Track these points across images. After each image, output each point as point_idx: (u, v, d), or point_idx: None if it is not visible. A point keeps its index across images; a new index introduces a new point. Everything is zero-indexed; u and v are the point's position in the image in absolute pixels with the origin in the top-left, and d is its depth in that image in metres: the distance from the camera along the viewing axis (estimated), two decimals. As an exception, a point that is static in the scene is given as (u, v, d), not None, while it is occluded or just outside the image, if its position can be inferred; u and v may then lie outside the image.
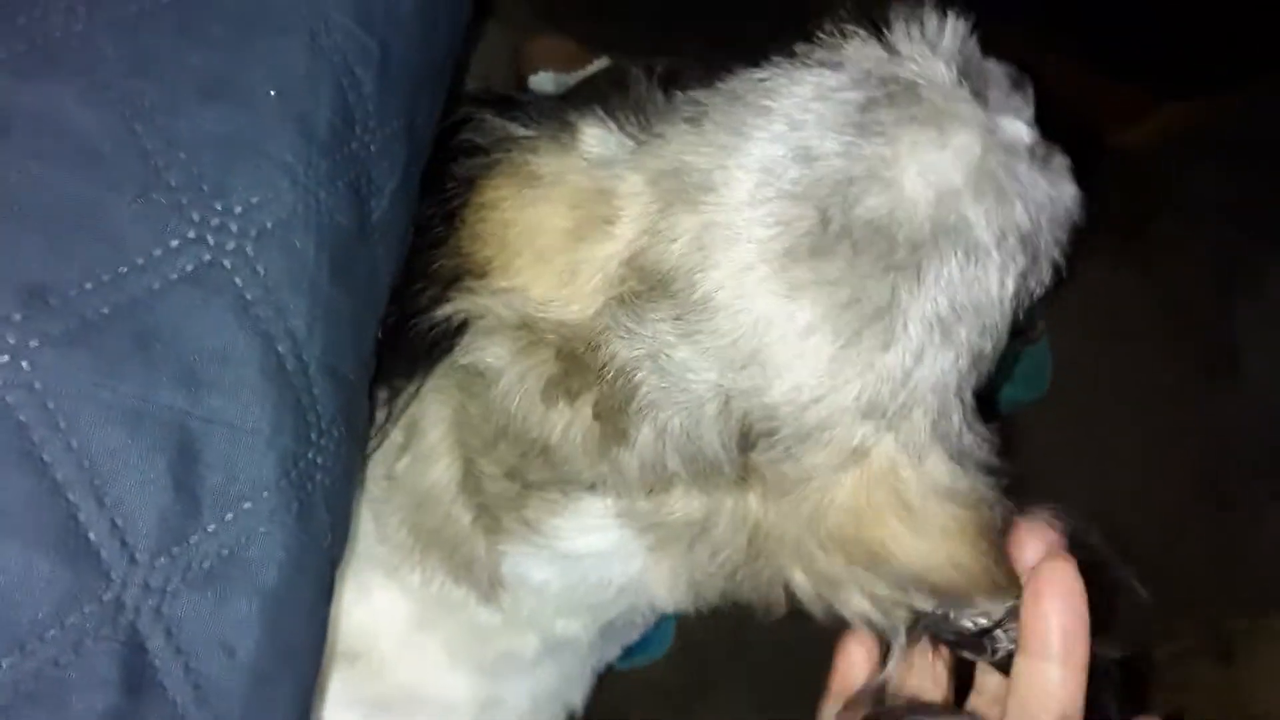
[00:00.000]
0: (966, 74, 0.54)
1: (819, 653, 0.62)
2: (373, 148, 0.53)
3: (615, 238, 0.53)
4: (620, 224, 0.53)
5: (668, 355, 0.51)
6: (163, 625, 0.42)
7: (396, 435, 0.67)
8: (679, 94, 0.56)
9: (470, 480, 0.64)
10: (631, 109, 0.57)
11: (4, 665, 0.39)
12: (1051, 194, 0.54)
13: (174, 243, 0.44)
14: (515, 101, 0.61)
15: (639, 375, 0.52)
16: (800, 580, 0.56)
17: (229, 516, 0.44)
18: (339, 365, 0.50)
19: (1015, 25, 0.68)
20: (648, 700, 1.31)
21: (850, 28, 0.55)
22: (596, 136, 0.56)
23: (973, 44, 0.56)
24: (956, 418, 0.53)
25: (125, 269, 0.43)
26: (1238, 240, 1.65)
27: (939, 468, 0.53)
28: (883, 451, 0.52)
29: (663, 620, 1.41)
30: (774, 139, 0.51)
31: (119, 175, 0.44)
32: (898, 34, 0.54)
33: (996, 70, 0.58)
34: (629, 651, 1.39)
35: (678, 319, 0.51)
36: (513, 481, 0.61)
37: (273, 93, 0.48)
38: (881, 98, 0.52)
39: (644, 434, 0.53)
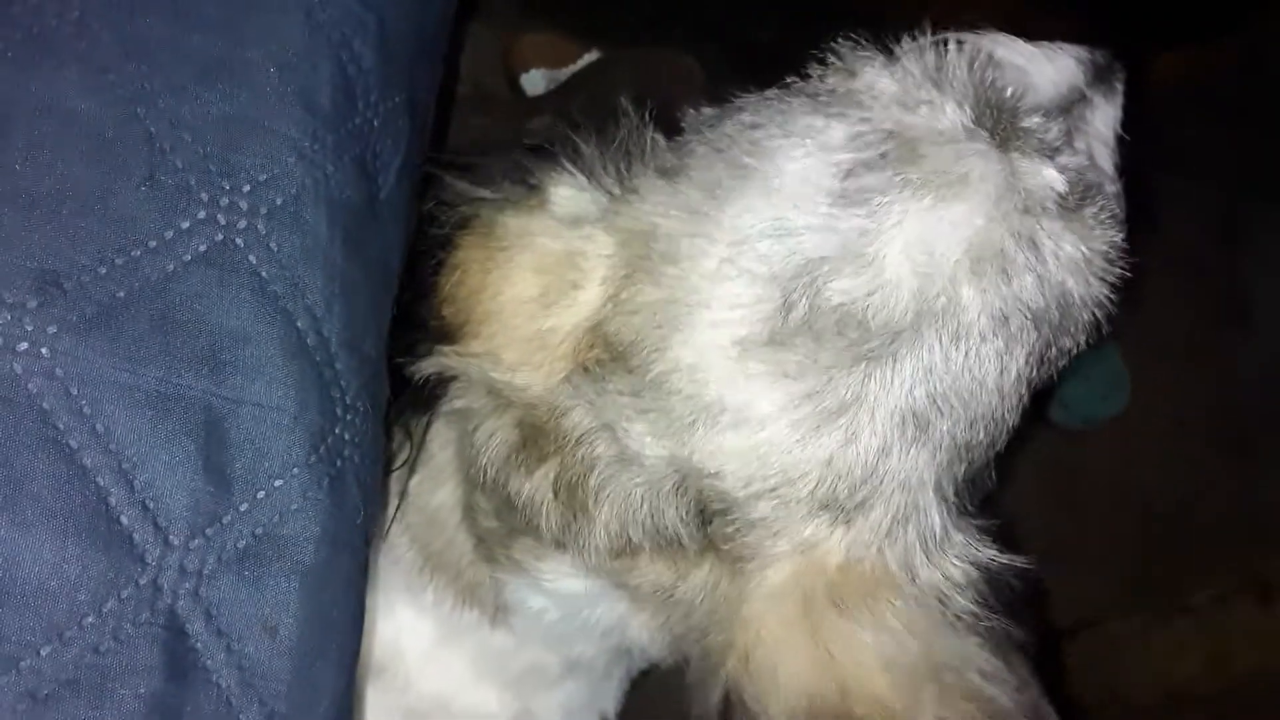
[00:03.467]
0: (990, 109, 0.48)
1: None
2: (376, 123, 0.53)
3: (581, 304, 0.51)
4: (587, 288, 0.51)
5: (625, 428, 0.49)
6: (202, 608, 0.42)
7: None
8: (666, 134, 0.53)
9: (470, 509, 0.63)
10: (613, 154, 0.54)
11: (44, 654, 0.38)
12: (1084, 251, 0.48)
13: (185, 224, 0.44)
14: (479, 165, 0.59)
15: (599, 447, 0.50)
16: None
17: (261, 495, 0.44)
18: (359, 341, 0.49)
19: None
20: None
21: (863, 49, 0.51)
22: (566, 194, 0.54)
23: (1005, 66, 0.51)
24: (934, 515, 0.49)
25: (138, 252, 0.43)
26: (1237, 190, 1.64)
27: (891, 567, 0.49)
28: (829, 547, 0.49)
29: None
30: (748, 208, 0.47)
31: (125, 160, 0.43)
32: (908, 63, 0.50)
33: (1046, 84, 0.53)
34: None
35: (636, 394, 0.49)
36: (501, 522, 0.60)
37: (273, 70, 0.47)
38: (875, 158, 0.47)
39: (604, 508, 0.51)
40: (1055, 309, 0.48)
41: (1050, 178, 0.48)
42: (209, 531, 0.42)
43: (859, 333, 0.46)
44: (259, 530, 0.43)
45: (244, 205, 0.45)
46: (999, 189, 0.47)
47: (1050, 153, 0.50)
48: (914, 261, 0.45)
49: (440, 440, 0.64)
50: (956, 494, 0.50)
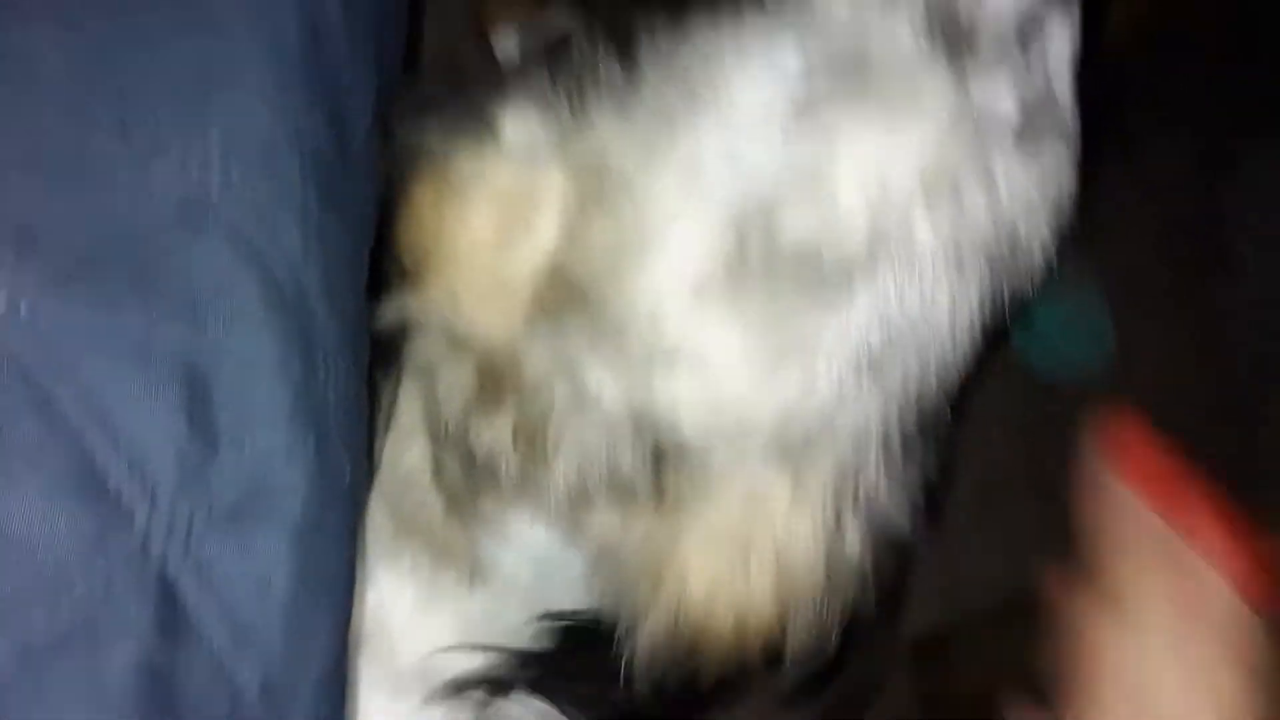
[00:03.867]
0: (946, 31, 0.47)
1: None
2: (344, 79, 0.52)
3: (539, 243, 0.51)
4: (543, 226, 0.50)
5: (583, 371, 0.49)
6: (191, 565, 0.41)
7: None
8: (628, 59, 0.51)
9: (438, 466, 0.62)
10: (566, 82, 0.52)
11: (34, 613, 0.37)
12: (1037, 185, 0.48)
13: (157, 175, 0.43)
14: (433, 97, 0.58)
15: (557, 391, 0.50)
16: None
17: (246, 450, 0.43)
18: (337, 293, 0.49)
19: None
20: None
21: None
22: (517, 125, 0.52)
23: None
24: (876, 471, 0.50)
25: (112, 206, 0.42)
26: (1214, 129, 1.64)
27: (830, 520, 0.50)
28: (776, 496, 0.50)
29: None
30: (701, 140, 0.47)
31: (96, 113, 0.43)
32: None
33: (1000, 9, 0.51)
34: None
35: (594, 336, 0.48)
36: (466, 476, 0.59)
37: (241, 21, 0.47)
38: (827, 85, 0.46)
39: (562, 455, 0.51)
40: (1006, 244, 0.48)
41: (1005, 105, 0.48)
42: (196, 488, 0.41)
43: (815, 272, 0.45)
44: (246, 486, 0.43)
45: (215, 155, 0.44)
46: (953, 114, 0.46)
47: (1007, 79, 0.49)
48: (867, 191, 0.45)
49: (408, 398, 0.64)
50: (903, 445, 0.50)
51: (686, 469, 0.50)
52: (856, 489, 0.49)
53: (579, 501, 0.53)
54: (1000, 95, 0.48)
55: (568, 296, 0.49)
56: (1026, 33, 0.52)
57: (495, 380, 0.52)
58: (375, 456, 0.64)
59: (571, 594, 0.63)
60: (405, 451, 0.63)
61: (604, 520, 0.54)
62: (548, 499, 0.53)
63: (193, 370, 0.42)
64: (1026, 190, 0.48)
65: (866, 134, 0.45)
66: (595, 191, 0.48)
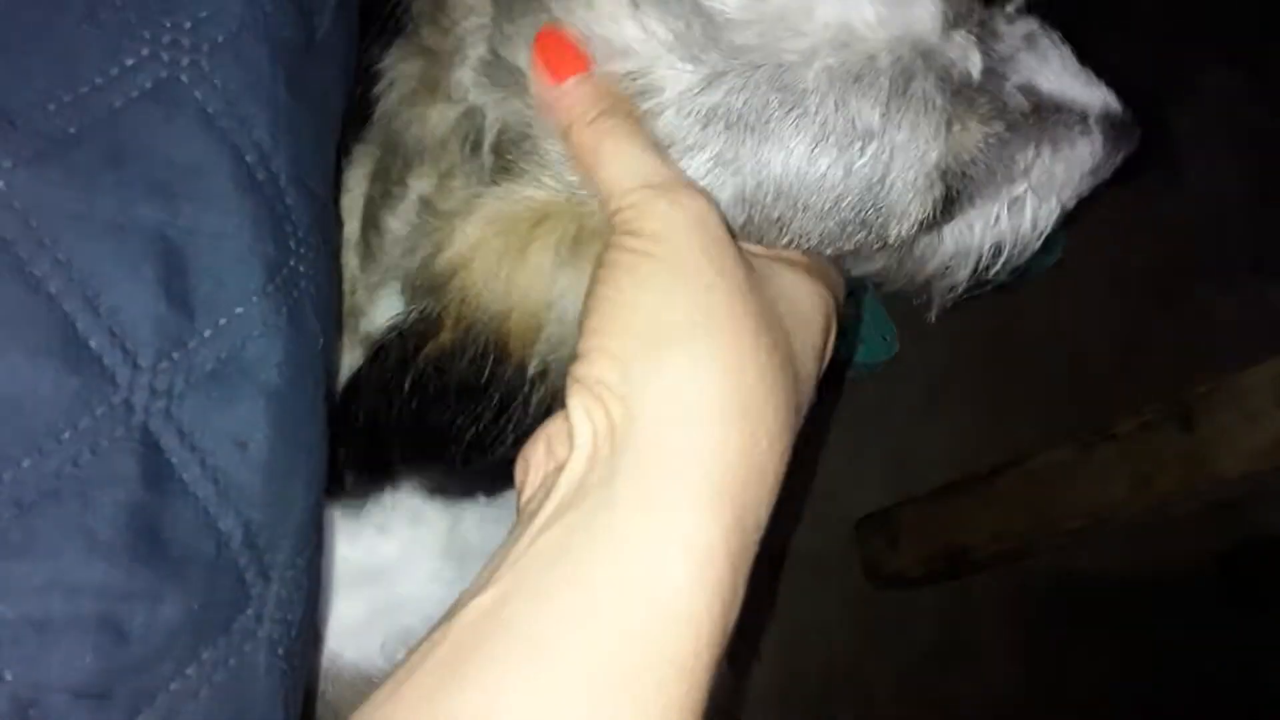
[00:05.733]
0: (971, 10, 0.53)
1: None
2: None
3: None
4: None
5: (508, 42, 0.53)
6: (174, 425, 0.44)
7: None
8: None
9: (365, 231, 0.65)
10: None
11: (25, 465, 0.40)
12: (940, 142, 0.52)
13: (129, 61, 0.45)
14: None
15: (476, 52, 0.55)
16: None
17: (223, 321, 0.46)
18: (306, 177, 0.51)
19: None
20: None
21: None
22: None
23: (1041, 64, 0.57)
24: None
25: (85, 89, 0.44)
26: (1166, 47, 1.66)
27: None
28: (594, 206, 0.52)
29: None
30: None
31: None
32: None
33: (1068, 87, 0.58)
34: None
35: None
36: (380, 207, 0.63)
37: (208, -90, 0.48)
38: None
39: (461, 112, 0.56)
40: (879, 182, 0.51)
41: (974, 61, 0.53)
42: (175, 355, 0.44)
43: (762, 54, 0.49)
44: (224, 354, 0.45)
45: (186, 42, 0.46)
46: (931, 23, 0.51)
47: (993, 58, 0.54)
48: (832, 30, 0.49)
49: (353, 178, 0.67)
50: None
51: (529, 152, 0.53)
52: None
53: (447, 172, 0.57)
54: (975, 54, 0.53)
55: None
56: (1064, 115, 0.60)
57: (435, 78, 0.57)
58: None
59: None
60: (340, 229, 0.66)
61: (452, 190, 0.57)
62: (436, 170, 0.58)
63: (168, 246, 0.44)
64: (927, 140, 0.52)
65: None
66: None
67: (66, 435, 0.41)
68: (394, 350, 0.53)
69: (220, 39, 0.47)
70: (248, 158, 0.47)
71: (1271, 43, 1.71)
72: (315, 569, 0.50)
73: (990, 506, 1.19)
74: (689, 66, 0.49)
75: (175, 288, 0.44)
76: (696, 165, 0.51)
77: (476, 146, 0.55)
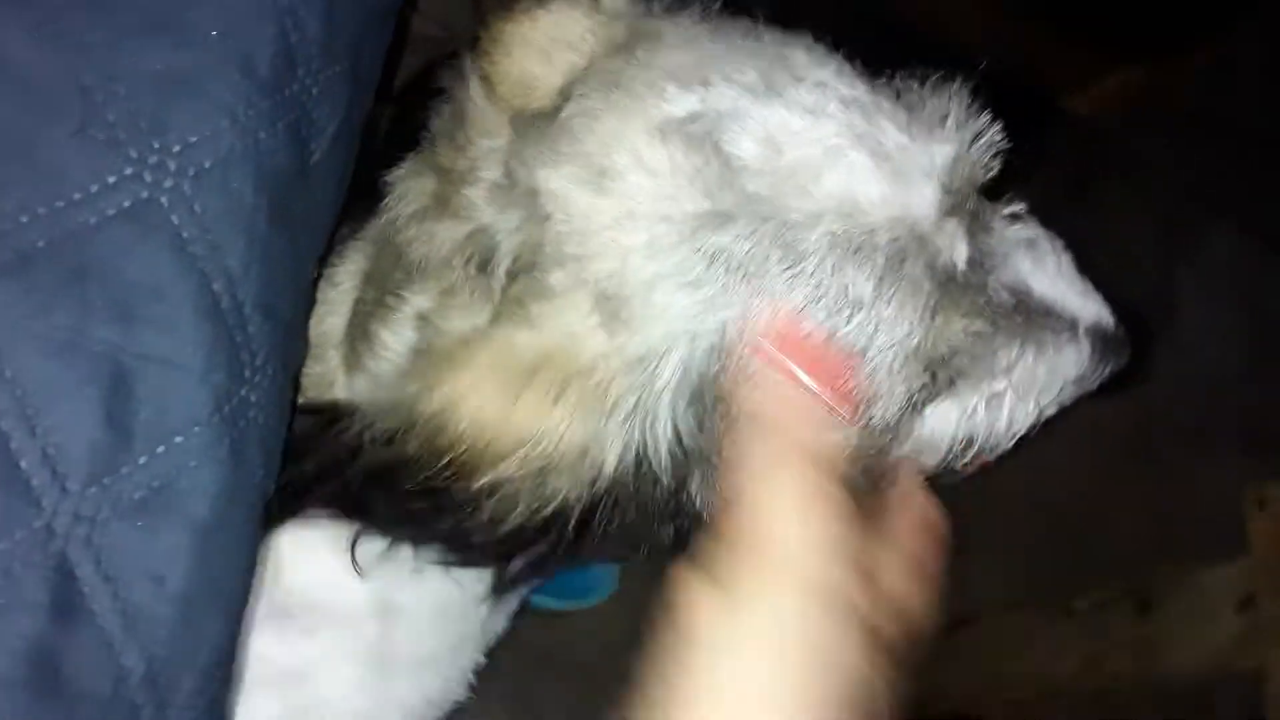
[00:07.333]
0: (967, 187, 0.54)
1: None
2: (314, 90, 0.54)
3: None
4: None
5: (525, 165, 0.53)
6: (92, 553, 0.43)
7: None
8: None
9: (352, 325, 0.65)
10: None
11: (-70, 587, 0.40)
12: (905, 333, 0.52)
13: (111, 179, 0.45)
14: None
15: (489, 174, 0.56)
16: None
17: (160, 449, 0.45)
18: (275, 303, 0.51)
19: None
20: (584, 648, 1.33)
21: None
22: None
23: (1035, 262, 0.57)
24: (667, 399, 0.52)
25: (62, 203, 0.44)
26: (1180, 205, 1.67)
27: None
28: (587, 345, 0.52)
29: (606, 567, 1.43)
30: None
31: (58, 109, 0.44)
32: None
33: (1061, 294, 0.58)
34: (571, 593, 1.41)
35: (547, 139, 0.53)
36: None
37: (215, 32, 0.48)
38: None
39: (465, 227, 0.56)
40: (859, 352, 0.51)
41: (959, 253, 0.53)
42: (106, 480, 0.44)
43: (771, 208, 0.50)
44: (156, 483, 0.45)
45: (172, 165, 0.46)
46: (929, 210, 0.51)
47: (983, 252, 0.55)
48: (836, 199, 0.50)
49: (345, 272, 0.67)
50: (704, 402, 0.53)
51: (532, 281, 0.53)
52: (658, 398, 0.52)
53: (449, 290, 0.57)
54: (963, 246, 0.53)
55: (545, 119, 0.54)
56: (1060, 324, 0.59)
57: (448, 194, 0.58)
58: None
59: None
60: (327, 318, 0.66)
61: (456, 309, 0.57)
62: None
63: (118, 369, 0.44)
64: (904, 331, 0.52)
65: (859, 157, 0.51)
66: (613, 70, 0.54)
67: (-19, 557, 0.41)
68: (355, 431, 0.55)
69: (207, 164, 0.47)
70: (214, 285, 0.47)
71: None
72: (220, 706, 0.49)
73: (941, 662, 1.18)
74: (705, 202, 0.50)
75: (117, 411, 0.44)
76: (692, 302, 0.51)
77: (483, 266, 0.55)
